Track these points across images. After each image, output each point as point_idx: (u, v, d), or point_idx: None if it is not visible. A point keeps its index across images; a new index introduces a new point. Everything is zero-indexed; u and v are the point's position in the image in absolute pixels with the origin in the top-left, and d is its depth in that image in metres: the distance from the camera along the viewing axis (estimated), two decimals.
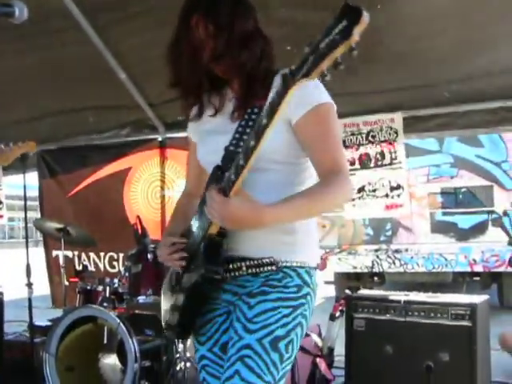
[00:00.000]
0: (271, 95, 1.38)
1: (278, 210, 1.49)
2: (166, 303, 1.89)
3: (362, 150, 4.22)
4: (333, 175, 1.58)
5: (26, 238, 4.08)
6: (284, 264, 1.64)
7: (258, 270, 1.65)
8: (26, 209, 4.07)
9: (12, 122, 4.82)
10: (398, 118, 4.18)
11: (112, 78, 4.32)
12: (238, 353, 1.57)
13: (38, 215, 5.65)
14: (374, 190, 4.17)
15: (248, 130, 1.63)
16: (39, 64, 4.15)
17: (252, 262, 1.65)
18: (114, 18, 3.78)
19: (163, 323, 1.90)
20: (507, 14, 3.20)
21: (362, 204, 4.21)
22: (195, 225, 1.72)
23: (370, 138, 4.22)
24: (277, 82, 1.60)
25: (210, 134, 1.80)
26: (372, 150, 4.21)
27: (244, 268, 1.66)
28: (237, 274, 1.67)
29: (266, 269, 1.64)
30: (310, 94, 1.61)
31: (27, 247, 4.02)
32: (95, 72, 4.29)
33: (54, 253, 5.49)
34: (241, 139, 1.64)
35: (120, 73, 4.30)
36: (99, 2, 3.66)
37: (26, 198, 3.98)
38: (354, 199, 4.21)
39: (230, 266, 1.65)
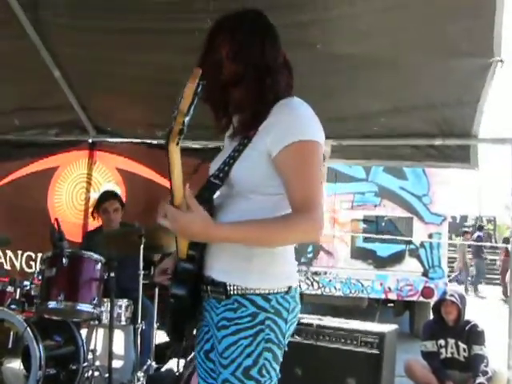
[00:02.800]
0: None
1: (226, 230, 1.61)
2: None
3: None
4: (298, 214, 1.63)
5: None
6: (236, 292, 1.70)
7: (218, 296, 1.73)
8: None
9: None
10: (326, 145, 4.27)
11: (46, 76, 4.23)
12: None
13: None
14: None
15: (231, 161, 1.73)
16: None
17: (213, 288, 1.74)
18: (53, 15, 3.69)
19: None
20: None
21: None
22: None
23: None
24: (276, 109, 1.72)
25: (218, 157, 1.89)
26: None
27: (210, 292, 1.75)
28: (206, 295, 1.77)
29: (220, 296, 1.72)
30: (288, 129, 1.68)
31: None
32: (29, 69, 4.19)
33: None
34: (222, 170, 1.75)
35: (54, 70, 4.21)
36: None
37: None
38: None
39: (203, 287, 1.76)
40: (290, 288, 1.74)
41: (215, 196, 1.77)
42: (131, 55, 3.77)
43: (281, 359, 1.76)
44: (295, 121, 1.69)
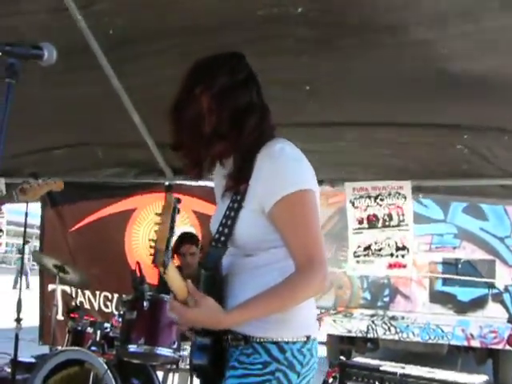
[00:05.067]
0: None
1: (235, 317, 1.63)
2: None
3: (370, 210, 4.26)
4: (302, 274, 1.63)
5: (21, 273, 4.02)
6: (255, 340, 1.70)
7: (236, 343, 1.73)
8: (24, 244, 4.01)
9: (25, 152, 4.79)
10: (406, 186, 4.19)
11: (125, 116, 4.31)
12: None
13: (34, 243, 5.61)
14: (380, 249, 4.21)
15: (229, 222, 1.72)
16: (53, 96, 4.13)
17: (232, 336, 1.73)
18: (130, 54, 3.71)
19: None
20: None
21: (367, 261, 4.23)
22: None
23: (378, 200, 4.25)
24: (259, 162, 1.69)
25: (214, 213, 1.89)
26: (380, 212, 4.25)
27: (229, 341, 1.75)
28: (227, 345, 1.76)
29: (240, 343, 1.72)
30: (278, 182, 1.66)
31: (21, 281, 3.96)
32: (108, 108, 4.27)
33: (50, 286, 5.41)
34: (223, 233, 1.73)
35: (132, 112, 4.29)
36: (118, 37, 3.59)
37: (25, 233, 3.92)
38: (359, 256, 4.25)
39: (224, 337, 1.76)
40: (308, 338, 1.73)
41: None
42: None
43: None
44: (278, 174, 1.66)
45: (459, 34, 2.72)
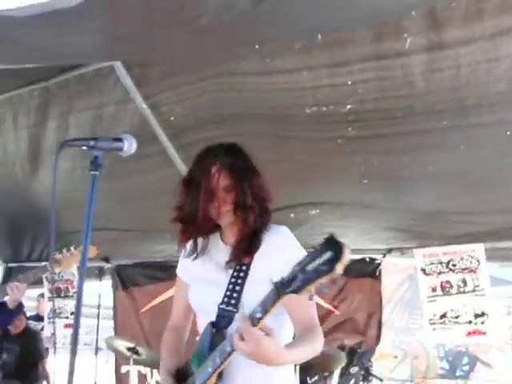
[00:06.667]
0: (264, 298, 1.58)
1: (291, 356, 1.70)
2: None
3: (443, 277, 4.16)
4: (314, 331, 1.80)
5: (96, 353, 4.01)
6: None
7: None
8: (98, 325, 4.03)
9: (104, 239, 4.93)
10: (479, 249, 4.07)
11: None
12: None
13: (102, 322, 5.63)
14: (457, 317, 4.08)
15: (237, 288, 1.83)
16: (127, 186, 4.26)
17: None
18: (191, 139, 3.79)
19: None
20: None
21: (444, 329, 4.09)
22: (195, 366, 1.84)
23: (450, 266, 4.15)
24: (266, 240, 1.87)
25: (204, 282, 1.97)
26: (453, 278, 4.14)
27: None
28: None
29: None
30: (289, 255, 1.72)
31: (96, 362, 3.95)
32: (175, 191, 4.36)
33: (124, 368, 5.41)
34: (231, 297, 1.82)
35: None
36: (182, 123, 3.69)
37: (99, 315, 3.94)
38: (435, 323, 4.11)
39: None
40: None
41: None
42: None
43: None
44: (289, 248, 1.85)
45: None
